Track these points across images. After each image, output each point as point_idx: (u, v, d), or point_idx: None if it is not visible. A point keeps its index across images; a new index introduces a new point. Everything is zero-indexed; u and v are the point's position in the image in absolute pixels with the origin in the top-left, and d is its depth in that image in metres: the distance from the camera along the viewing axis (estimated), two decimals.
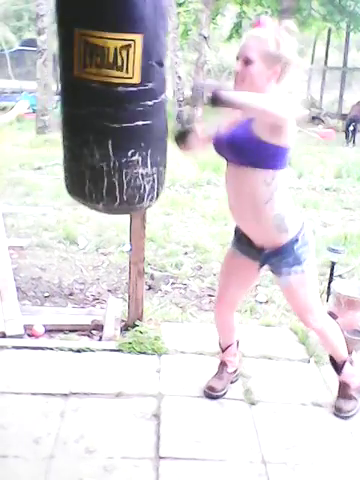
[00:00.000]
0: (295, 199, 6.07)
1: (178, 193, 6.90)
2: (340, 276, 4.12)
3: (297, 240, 2.19)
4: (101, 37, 1.43)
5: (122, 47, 1.43)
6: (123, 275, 4.04)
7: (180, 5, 15.35)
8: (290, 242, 2.18)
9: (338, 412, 2.51)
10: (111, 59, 1.44)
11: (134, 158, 1.59)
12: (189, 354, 2.96)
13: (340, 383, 2.56)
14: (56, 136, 10.96)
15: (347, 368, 2.53)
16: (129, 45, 1.44)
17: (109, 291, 3.87)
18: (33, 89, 12.86)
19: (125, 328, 3.13)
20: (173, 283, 4.06)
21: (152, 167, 1.68)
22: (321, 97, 19.30)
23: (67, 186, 1.78)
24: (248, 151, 2.05)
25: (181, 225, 5.53)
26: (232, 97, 1.85)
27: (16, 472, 2.08)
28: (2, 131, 11.39)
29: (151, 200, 1.77)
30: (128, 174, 1.61)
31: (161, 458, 2.20)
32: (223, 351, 2.67)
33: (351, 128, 12.94)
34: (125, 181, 1.62)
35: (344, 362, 2.53)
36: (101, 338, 3.08)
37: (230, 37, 17.83)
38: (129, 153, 1.58)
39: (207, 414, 2.51)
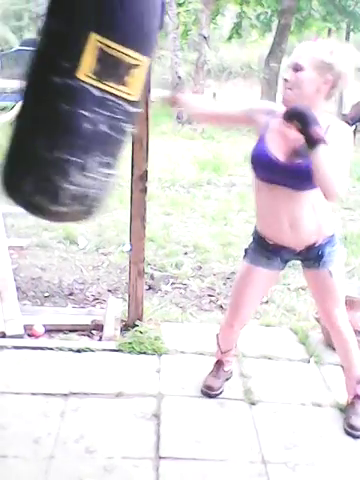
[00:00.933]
0: None
1: (178, 193, 6.91)
2: None
3: (332, 239, 2.26)
4: (119, 51, 1.46)
5: (134, 65, 1.49)
6: (123, 275, 4.04)
7: (180, 5, 15.35)
8: (335, 232, 2.26)
9: (352, 430, 2.40)
10: (121, 73, 1.48)
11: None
12: (189, 354, 2.96)
13: (353, 398, 2.48)
14: None
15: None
16: (138, 65, 1.50)
17: (109, 291, 3.87)
18: None
19: (125, 328, 3.14)
20: (173, 283, 4.06)
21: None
22: None
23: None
24: (307, 180, 2.00)
25: (181, 225, 5.53)
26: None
27: (16, 472, 2.08)
28: (2, 131, 11.37)
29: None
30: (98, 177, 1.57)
31: (161, 458, 2.20)
32: (222, 353, 2.67)
33: (351, 128, 12.94)
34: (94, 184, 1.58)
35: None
36: (101, 338, 3.08)
37: (230, 37, 17.82)
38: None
39: (207, 414, 2.51)
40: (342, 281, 2.37)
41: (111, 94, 1.48)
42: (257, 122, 2.19)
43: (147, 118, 2.83)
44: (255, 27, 17.57)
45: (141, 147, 2.89)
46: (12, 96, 15.02)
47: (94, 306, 3.63)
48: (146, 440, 2.30)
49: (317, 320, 3.22)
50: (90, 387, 2.62)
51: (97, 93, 1.46)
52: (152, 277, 4.09)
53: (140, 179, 2.95)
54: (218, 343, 2.68)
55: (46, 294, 3.78)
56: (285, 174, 2.07)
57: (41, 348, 2.93)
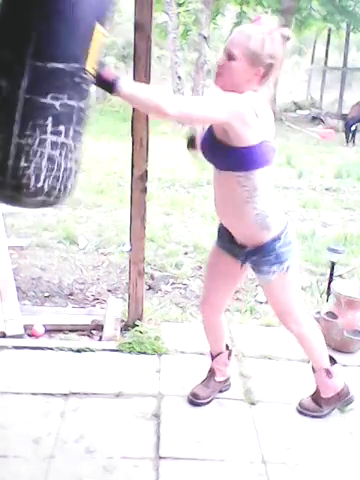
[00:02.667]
0: (295, 199, 6.05)
1: (178, 193, 6.91)
2: (340, 276, 4.12)
3: (279, 239, 2.14)
4: (104, 35, 1.56)
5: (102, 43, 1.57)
6: (123, 275, 4.04)
7: (180, 5, 15.36)
8: (272, 241, 2.14)
9: (299, 406, 2.52)
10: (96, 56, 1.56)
11: None
12: (189, 354, 2.96)
13: (316, 387, 2.51)
14: None
15: (319, 375, 2.46)
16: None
17: (109, 291, 3.87)
18: None
19: (125, 328, 3.14)
20: (173, 283, 4.06)
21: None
22: (321, 97, 19.31)
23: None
24: (216, 156, 2.08)
25: (181, 225, 5.53)
26: (134, 89, 1.71)
27: (16, 472, 2.08)
28: None
29: None
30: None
31: (161, 458, 2.20)
32: (212, 358, 2.62)
33: (351, 128, 12.94)
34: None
35: (320, 370, 2.45)
36: (101, 338, 3.08)
37: None
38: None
39: (207, 414, 2.51)
40: (287, 291, 2.26)
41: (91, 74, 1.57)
42: None
43: (147, 118, 2.84)
44: None
45: (141, 147, 2.90)
46: None
47: (94, 306, 3.63)
48: (146, 440, 2.30)
49: (317, 320, 3.22)
50: (90, 387, 2.62)
51: (90, 79, 1.57)
52: (152, 277, 4.09)
53: (140, 179, 2.95)
54: (209, 349, 2.63)
55: (46, 294, 3.78)
56: (203, 151, 2.15)
57: (41, 348, 2.93)
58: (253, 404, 2.57)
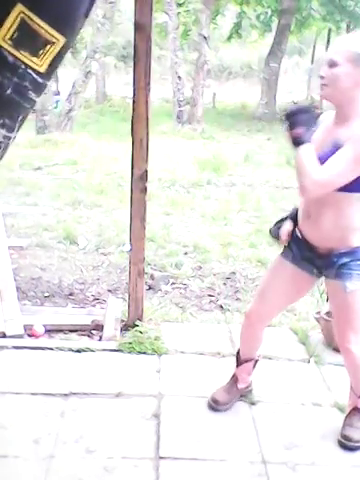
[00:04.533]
0: (295, 199, 6.05)
1: (178, 193, 6.91)
2: None
3: None
4: (40, 25, 1.58)
5: (50, 42, 1.60)
6: (123, 275, 4.04)
7: (180, 5, 15.37)
8: None
9: (346, 441, 2.31)
10: (38, 46, 1.59)
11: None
12: (189, 354, 2.96)
13: (352, 409, 2.38)
14: (56, 136, 10.99)
15: None
16: (54, 43, 1.62)
17: (109, 291, 3.87)
18: None
19: (125, 328, 3.14)
20: (173, 283, 4.06)
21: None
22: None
23: None
24: None
25: (181, 225, 5.53)
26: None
27: (16, 472, 2.08)
28: None
29: None
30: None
31: (161, 458, 2.20)
32: (239, 365, 2.55)
33: None
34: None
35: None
36: (101, 338, 3.08)
37: (230, 37, 17.84)
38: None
39: (207, 414, 2.51)
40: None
41: (23, 63, 1.60)
42: None
43: (147, 118, 2.84)
44: (255, 27, 17.59)
45: (141, 147, 2.89)
46: None
47: (94, 306, 3.63)
48: (146, 440, 2.30)
49: (317, 320, 3.22)
50: (90, 387, 2.62)
51: (11, 59, 1.58)
52: (152, 277, 4.09)
53: (140, 179, 2.95)
54: (237, 352, 2.56)
55: (46, 294, 3.78)
56: None
57: (41, 348, 2.93)
58: (253, 404, 2.57)
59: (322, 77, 1.98)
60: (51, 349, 2.92)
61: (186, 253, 4.68)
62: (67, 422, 2.38)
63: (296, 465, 2.20)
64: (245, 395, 2.60)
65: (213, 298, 3.83)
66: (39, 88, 1.67)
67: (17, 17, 1.54)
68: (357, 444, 2.31)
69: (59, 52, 1.64)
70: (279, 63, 16.56)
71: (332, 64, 1.94)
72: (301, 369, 2.89)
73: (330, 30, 18.02)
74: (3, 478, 2.05)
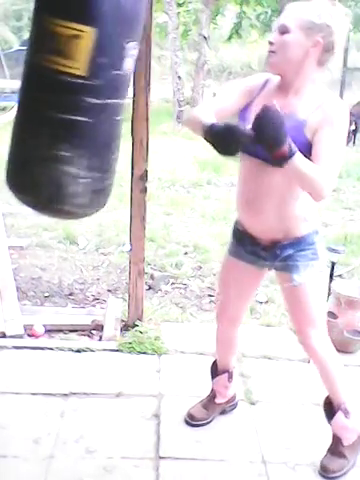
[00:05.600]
0: None
1: (178, 193, 6.90)
2: (340, 276, 4.12)
3: (317, 232, 2.02)
4: (54, 24, 1.45)
5: (72, 36, 1.44)
6: (123, 275, 4.03)
7: (180, 5, 15.34)
8: (312, 232, 2.01)
9: (322, 471, 2.12)
10: (58, 45, 1.45)
11: (64, 154, 1.51)
12: (189, 354, 2.96)
13: (332, 436, 2.20)
14: None
15: (339, 418, 2.13)
16: (78, 36, 1.45)
17: (109, 291, 3.87)
18: None
19: (125, 328, 3.13)
20: (173, 283, 4.06)
21: (86, 170, 1.56)
22: None
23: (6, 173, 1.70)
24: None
25: (181, 225, 5.53)
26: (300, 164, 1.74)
27: (16, 472, 2.08)
28: (2, 131, 11.39)
29: (79, 206, 1.64)
30: (54, 169, 1.53)
31: (161, 458, 2.20)
32: (214, 377, 2.45)
33: (351, 128, 12.94)
34: (48, 176, 1.53)
35: (338, 408, 2.14)
36: (101, 338, 3.08)
37: (230, 37, 17.82)
38: (60, 146, 1.51)
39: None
40: (318, 296, 2.06)
41: (61, 73, 1.46)
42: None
43: (147, 118, 2.84)
44: (255, 27, 17.58)
45: (141, 147, 2.89)
46: (12, 96, 15.04)
47: (94, 306, 3.63)
48: (146, 440, 2.30)
49: None
50: (90, 387, 2.62)
51: (49, 73, 1.47)
52: (152, 277, 4.09)
53: (140, 179, 2.95)
54: (213, 365, 2.46)
55: (46, 294, 3.78)
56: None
57: (41, 348, 2.93)
58: (253, 404, 2.57)
59: (271, 43, 1.82)
60: (51, 349, 2.92)
61: (186, 253, 4.68)
62: (67, 422, 2.38)
63: (296, 465, 2.20)
64: (230, 411, 2.50)
65: (213, 298, 3.82)
66: (89, 92, 1.56)
67: (38, 28, 1.50)
68: (333, 475, 2.13)
69: (96, 46, 1.48)
70: None
71: (283, 30, 1.80)
72: (301, 369, 2.89)
73: None
74: (3, 478, 2.05)
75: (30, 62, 1.52)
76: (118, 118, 1.62)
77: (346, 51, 18.22)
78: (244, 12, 16.88)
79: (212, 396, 2.45)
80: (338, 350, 2.97)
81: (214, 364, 2.46)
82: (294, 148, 1.71)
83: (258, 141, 1.69)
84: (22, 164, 1.57)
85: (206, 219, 5.74)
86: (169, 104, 14.83)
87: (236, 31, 17.50)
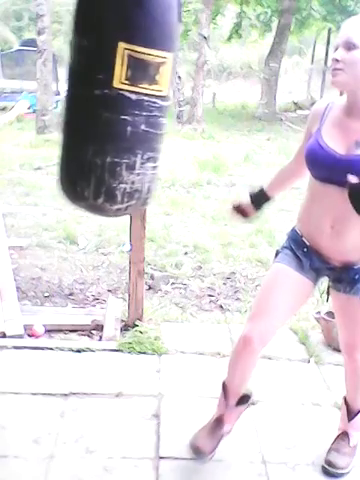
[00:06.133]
0: (295, 199, 6.03)
1: (178, 193, 6.90)
2: None
3: None
4: (146, 53, 1.56)
5: (161, 63, 1.60)
6: (123, 275, 4.04)
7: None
8: None
9: (331, 467, 2.15)
10: (151, 73, 1.59)
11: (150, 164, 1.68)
12: (189, 354, 2.96)
13: (341, 433, 2.25)
14: (56, 136, 10.96)
15: (359, 419, 2.21)
16: (165, 62, 1.61)
17: (109, 291, 3.87)
18: (33, 89, 12.87)
19: (125, 328, 3.14)
20: (173, 283, 4.06)
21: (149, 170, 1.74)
22: (321, 97, 19.31)
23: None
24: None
25: (181, 225, 5.53)
26: None
27: (16, 472, 2.08)
28: (2, 131, 11.39)
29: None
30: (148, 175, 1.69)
31: (161, 458, 2.20)
32: (227, 404, 2.12)
33: None
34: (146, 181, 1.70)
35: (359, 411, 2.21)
36: (101, 338, 3.08)
37: (230, 37, 17.84)
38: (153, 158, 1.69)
39: (207, 414, 2.50)
40: None
41: (145, 95, 1.60)
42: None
43: None
44: (255, 27, 17.60)
45: None
46: (12, 96, 15.05)
47: (94, 306, 3.63)
48: (146, 440, 2.30)
49: (317, 320, 3.22)
50: (90, 387, 2.62)
51: (134, 97, 1.58)
52: (152, 277, 4.09)
53: None
54: (224, 387, 2.13)
55: (46, 294, 3.78)
56: (343, 169, 1.73)
57: (41, 348, 2.93)
58: (253, 404, 2.57)
59: (337, 61, 1.73)
60: (51, 349, 2.92)
61: (186, 253, 4.68)
62: (67, 422, 2.38)
63: (296, 465, 2.20)
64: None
65: (213, 298, 3.83)
66: (166, 110, 1.69)
67: (123, 56, 1.55)
68: (341, 471, 2.16)
69: (171, 67, 1.65)
70: (279, 63, 16.56)
71: (351, 46, 1.71)
72: (301, 369, 2.89)
73: (330, 30, 18.02)
74: (3, 478, 2.05)
75: (112, 88, 1.59)
76: None
77: None
78: (244, 12, 16.90)
79: (219, 425, 2.13)
80: (338, 350, 2.99)
81: (225, 389, 2.13)
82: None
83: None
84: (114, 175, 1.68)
85: (206, 219, 5.74)
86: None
87: (236, 31, 17.52)
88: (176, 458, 2.21)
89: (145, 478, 2.09)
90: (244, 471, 2.16)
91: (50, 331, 3.13)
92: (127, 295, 3.22)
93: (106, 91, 1.57)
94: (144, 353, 2.93)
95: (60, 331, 3.15)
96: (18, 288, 3.59)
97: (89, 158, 1.62)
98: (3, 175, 7.18)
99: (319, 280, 2.04)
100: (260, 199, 2.24)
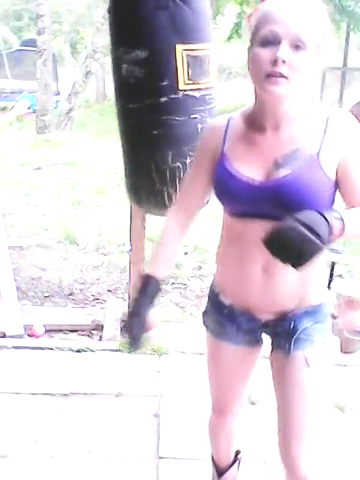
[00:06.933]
0: None
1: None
2: (340, 276, 4.12)
3: (327, 302, 1.54)
4: (199, 49, 1.64)
5: (210, 55, 1.67)
6: (123, 275, 4.03)
7: None
8: (326, 299, 1.53)
9: None
10: (206, 67, 1.65)
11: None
12: (189, 354, 2.96)
13: None
14: (56, 136, 11.00)
15: None
16: (211, 54, 1.68)
17: (109, 291, 3.87)
18: (33, 89, 12.87)
19: (125, 328, 3.13)
20: (173, 283, 4.06)
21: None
22: (321, 97, 19.29)
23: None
24: (315, 198, 1.31)
25: None
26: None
27: (16, 472, 2.08)
28: (2, 131, 11.39)
29: None
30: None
31: (161, 458, 2.20)
32: (221, 474, 1.92)
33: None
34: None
35: None
36: (101, 338, 3.08)
37: (230, 37, 17.80)
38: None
39: (207, 414, 2.50)
40: (323, 389, 1.54)
41: (205, 89, 1.67)
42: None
43: None
44: None
45: None
46: (12, 96, 15.05)
47: (94, 306, 3.63)
48: (146, 440, 2.30)
49: None
50: (90, 387, 2.62)
51: (197, 94, 1.65)
52: None
53: None
54: (213, 461, 1.95)
55: (46, 294, 3.78)
56: (267, 199, 1.33)
57: (41, 348, 2.93)
58: (253, 404, 2.57)
59: (280, 62, 1.22)
60: (51, 349, 2.92)
61: (186, 253, 4.68)
62: (67, 422, 2.38)
63: None
64: None
65: None
66: (216, 97, 1.73)
67: (183, 57, 1.60)
68: None
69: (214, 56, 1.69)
70: None
71: (298, 46, 1.24)
72: None
73: None
74: (3, 478, 2.05)
75: (179, 90, 1.66)
76: None
77: (346, 51, 18.27)
78: (244, 12, 16.84)
79: None
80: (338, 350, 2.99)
81: (215, 462, 1.95)
82: (341, 222, 1.24)
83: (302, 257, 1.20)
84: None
85: (206, 219, 5.74)
86: None
87: (236, 31, 17.48)
88: (176, 458, 2.21)
89: (145, 478, 2.09)
90: (244, 471, 2.15)
91: (50, 331, 3.13)
92: (127, 295, 3.22)
93: (173, 96, 1.60)
94: (144, 353, 2.93)
95: (60, 331, 3.15)
96: (18, 288, 3.59)
97: (169, 164, 1.63)
98: (3, 175, 7.18)
99: (259, 339, 1.66)
100: (155, 294, 1.56)
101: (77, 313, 3.41)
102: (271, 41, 1.24)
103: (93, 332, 3.18)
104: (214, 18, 15.64)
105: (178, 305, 3.68)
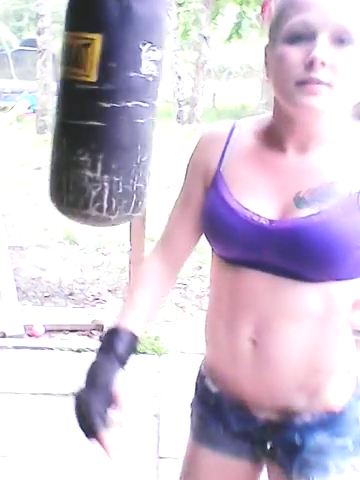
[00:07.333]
0: None
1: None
2: None
3: (354, 406, 1.05)
4: (69, 36, 1.56)
5: (82, 45, 1.52)
6: (123, 275, 4.04)
7: (180, 5, 15.36)
8: (356, 400, 1.05)
9: None
10: (73, 57, 1.54)
11: (82, 159, 1.56)
12: (189, 354, 2.96)
13: None
14: None
15: None
16: (88, 44, 1.51)
17: (109, 291, 3.87)
18: (33, 89, 12.88)
19: None
20: None
21: (103, 174, 1.59)
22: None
23: None
24: (345, 253, 0.91)
25: None
26: None
27: (16, 472, 2.08)
28: (2, 131, 11.39)
29: (100, 210, 1.64)
30: (74, 174, 1.58)
31: (161, 458, 2.20)
32: None
33: None
34: (70, 181, 1.59)
35: None
36: (101, 338, 3.08)
37: (230, 37, 17.83)
38: (79, 152, 1.56)
39: None
40: None
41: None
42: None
43: None
44: (255, 27, 17.59)
45: None
46: (12, 96, 15.06)
47: (94, 306, 3.63)
48: (146, 440, 2.30)
49: None
50: None
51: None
52: None
53: None
54: None
55: (46, 294, 3.78)
56: (277, 245, 0.95)
57: (41, 348, 2.93)
58: None
59: (323, 64, 0.87)
60: (51, 349, 2.92)
61: None
62: (67, 422, 2.38)
63: None
64: None
65: None
66: (101, 96, 1.62)
67: (62, 43, 1.60)
68: None
69: (104, 52, 1.54)
70: None
71: (343, 40, 0.88)
72: None
73: None
74: (3, 478, 2.05)
75: (60, 78, 1.62)
76: (142, 120, 1.64)
77: None
78: (244, 12, 16.87)
79: None
80: None
81: None
82: None
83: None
84: (51, 171, 1.65)
85: None
86: (169, 104, 14.84)
87: (236, 31, 17.50)
88: (176, 458, 2.21)
89: (145, 478, 2.09)
90: None
91: (50, 331, 3.13)
92: (127, 295, 3.22)
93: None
94: (144, 353, 2.93)
95: (60, 331, 3.15)
96: (18, 288, 3.59)
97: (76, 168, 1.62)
98: (3, 175, 7.18)
99: (256, 453, 1.14)
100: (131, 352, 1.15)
101: (77, 313, 3.42)
102: (303, 35, 0.88)
103: (93, 332, 3.18)
104: (214, 18, 15.69)
105: (178, 305, 3.68)
